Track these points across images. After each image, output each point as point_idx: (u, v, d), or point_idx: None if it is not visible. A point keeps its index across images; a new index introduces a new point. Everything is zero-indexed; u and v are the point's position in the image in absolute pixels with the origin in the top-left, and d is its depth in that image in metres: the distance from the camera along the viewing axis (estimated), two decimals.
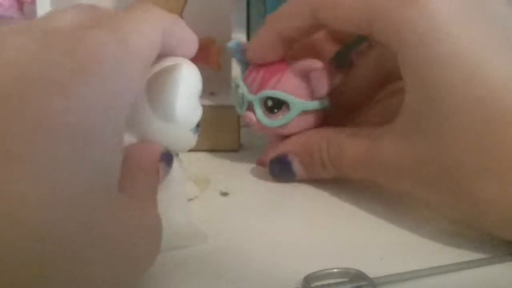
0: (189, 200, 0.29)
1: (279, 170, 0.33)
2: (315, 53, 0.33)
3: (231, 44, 0.34)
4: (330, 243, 0.26)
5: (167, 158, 0.25)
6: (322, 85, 0.31)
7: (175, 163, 0.26)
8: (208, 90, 0.40)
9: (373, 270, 0.22)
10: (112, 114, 0.18)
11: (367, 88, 0.33)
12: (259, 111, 0.32)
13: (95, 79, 0.18)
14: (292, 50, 0.32)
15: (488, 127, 0.23)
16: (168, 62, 0.24)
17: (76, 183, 0.16)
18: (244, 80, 0.33)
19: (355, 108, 0.34)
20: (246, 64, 0.34)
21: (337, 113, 0.33)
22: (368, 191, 0.31)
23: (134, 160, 0.22)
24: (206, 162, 0.36)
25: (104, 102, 0.18)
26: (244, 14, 0.39)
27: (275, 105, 0.32)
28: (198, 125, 0.27)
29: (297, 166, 0.32)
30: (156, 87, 0.24)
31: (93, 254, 0.17)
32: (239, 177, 0.34)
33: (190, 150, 0.35)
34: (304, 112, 0.32)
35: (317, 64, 0.31)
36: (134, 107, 0.24)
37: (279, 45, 0.31)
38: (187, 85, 0.25)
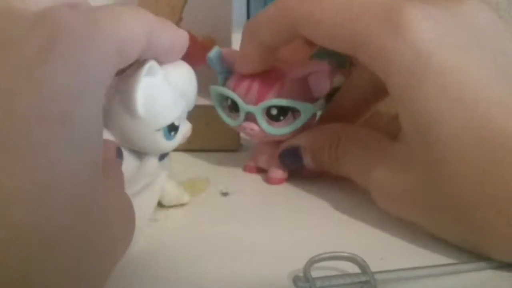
0: (180, 205, 0.29)
1: (291, 161, 0.32)
2: (297, 54, 0.33)
3: (211, 55, 0.32)
4: (330, 242, 0.26)
5: (120, 153, 0.25)
6: (324, 85, 0.31)
7: (152, 160, 0.27)
8: (208, 90, 0.40)
9: (373, 267, 0.22)
10: (87, 94, 0.17)
11: (363, 99, 0.33)
12: (263, 121, 0.31)
13: (63, 55, 0.17)
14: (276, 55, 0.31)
15: (483, 156, 0.23)
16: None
17: (57, 168, 0.16)
18: (234, 90, 0.32)
19: (352, 118, 0.34)
20: (226, 73, 0.33)
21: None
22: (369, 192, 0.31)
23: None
24: (206, 162, 0.36)
25: (76, 80, 0.17)
26: (244, 14, 0.39)
27: (280, 113, 0.31)
28: (173, 130, 0.27)
29: (307, 160, 0.32)
30: (125, 81, 0.25)
31: (85, 239, 0.17)
32: (239, 177, 0.34)
33: (190, 150, 0.35)
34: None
35: (319, 66, 0.31)
36: (108, 103, 0.25)
37: (265, 54, 0.30)
38: (154, 83, 0.25)
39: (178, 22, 0.37)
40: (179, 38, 0.25)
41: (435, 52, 0.24)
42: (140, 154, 0.28)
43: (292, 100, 0.31)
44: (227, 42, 0.40)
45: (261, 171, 0.34)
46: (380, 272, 0.22)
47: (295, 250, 0.25)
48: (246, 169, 0.35)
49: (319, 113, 0.34)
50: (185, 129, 0.28)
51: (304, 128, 0.32)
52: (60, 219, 0.16)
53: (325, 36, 0.27)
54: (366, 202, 0.29)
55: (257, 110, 0.31)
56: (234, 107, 0.32)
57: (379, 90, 0.31)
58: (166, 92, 0.26)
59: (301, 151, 0.32)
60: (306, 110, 0.31)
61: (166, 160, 0.29)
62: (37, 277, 0.15)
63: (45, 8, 0.19)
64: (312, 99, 0.32)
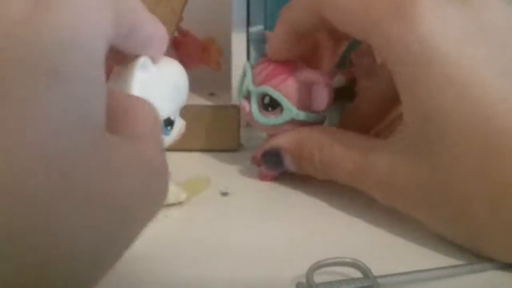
0: (179, 204, 0.29)
1: (272, 163, 0.32)
2: (317, 56, 0.33)
3: (252, 29, 0.34)
4: (330, 243, 0.26)
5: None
6: (322, 100, 0.31)
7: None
8: (208, 90, 0.40)
9: (376, 269, 0.22)
10: (76, 49, 0.16)
11: (378, 108, 0.33)
12: (255, 104, 0.32)
13: (50, 7, 0.16)
14: (299, 48, 0.32)
15: (484, 151, 0.23)
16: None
17: (46, 125, 0.15)
18: (253, 68, 0.33)
19: (367, 128, 0.33)
20: (261, 55, 0.34)
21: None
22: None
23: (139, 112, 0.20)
24: (206, 162, 0.36)
25: (64, 34, 0.16)
26: (244, 14, 0.39)
27: (271, 104, 0.32)
28: (169, 124, 0.27)
29: (289, 162, 0.32)
30: (119, 77, 0.25)
31: (78, 204, 0.15)
32: (239, 177, 0.34)
33: (190, 150, 0.35)
34: (295, 121, 0.32)
35: (321, 78, 0.31)
36: None
37: (292, 38, 0.31)
38: (148, 78, 0.25)
39: (178, 22, 0.37)
40: (159, 31, 0.24)
41: (443, 44, 0.24)
42: None
43: (282, 96, 0.31)
44: (227, 42, 0.40)
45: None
46: (383, 276, 0.22)
47: (296, 253, 0.25)
48: (252, 159, 0.34)
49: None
50: (180, 125, 0.28)
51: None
52: (41, 180, 0.15)
53: (341, 19, 0.27)
54: (369, 204, 0.29)
55: (254, 91, 0.32)
56: (245, 82, 0.33)
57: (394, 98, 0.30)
58: (161, 86, 0.26)
59: (282, 153, 0.32)
60: (288, 111, 0.31)
61: None
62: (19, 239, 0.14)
63: None
64: (306, 108, 0.32)
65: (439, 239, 0.25)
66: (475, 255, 0.24)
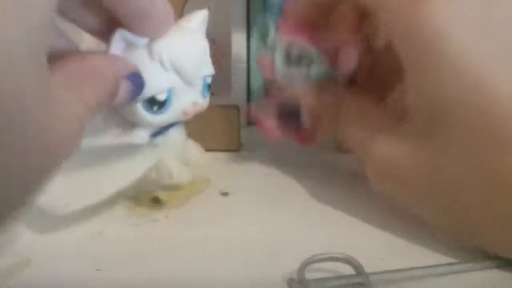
0: (180, 205, 0.30)
1: (289, 117, 0.32)
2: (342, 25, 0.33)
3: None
4: (330, 243, 0.26)
5: (136, 80, 0.23)
6: (349, 61, 0.30)
7: (139, 133, 0.26)
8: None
9: (370, 266, 0.22)
10: None
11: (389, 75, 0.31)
12: (279, 56, 0.32)
13: None
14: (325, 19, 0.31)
15: (490, 145, 0.23)
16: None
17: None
18: (278, 23, 0.32)
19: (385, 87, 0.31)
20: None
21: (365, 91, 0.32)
22: (370, 191, 0.31)
23: (91, 64, 0.21)
24: (206, 162, 0.36)
25: None
26: (244, 14, 0.39)
27: (299, 57, 0.31)
28: (155, 104, 0.25)
29: (306, 117, 0.32)
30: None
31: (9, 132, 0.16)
32: (239, 177, 0.34)
33: None
34: (321, 78, 0.31)
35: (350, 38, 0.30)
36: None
37: (315, 11, 0.31)
38: (130, 55, 0.24)
39: None
40: (161, 2, 0.23)
41: (455, 34, 0.23)
42: (131, 123, 0.27)
43: (315, 50, 0.31)
44: (227, 42, 0.40)
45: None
46: (375, 273, 0.22)
47: (294, 249, 0.25)
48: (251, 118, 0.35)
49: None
50: (184, 104, 0.27)
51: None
52: None
53: None
54: (369, 203, 0.29)
55: (280, 44, 0.31)
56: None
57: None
58: (144, 64, 0.24)
59: (301, 108, 0.32)
60: (318, 65, 0.31)
61: (162, 139, 0.28)
62: None
63: None
64: (333, 68, 0.31)
65: (433, 237, 0.25)
66: (470, 250, 0.24)
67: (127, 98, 0.23)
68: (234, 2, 0.39)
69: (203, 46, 0.26)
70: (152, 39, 0.24)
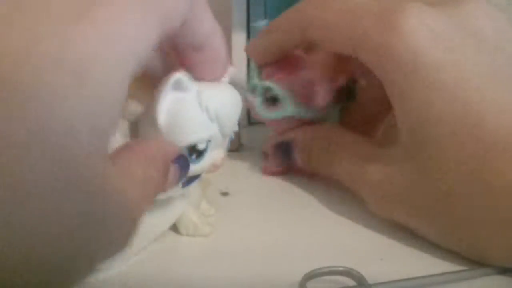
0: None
1: (282, 154, 0.33)
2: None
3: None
4: (330, 244, 0.26)
5: (183, 162, 0.23)
6: (322, 98, 0.31)
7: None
8: None
9: (372, 274, 0.22)
10: (112, 57, 0.16)
11: (378, 107, 0.32)
12: (259, 98, 0.32)
13: (96, 20, 0.16)
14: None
15: (478, 154, 0.23)
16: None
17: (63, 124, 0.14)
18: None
19: (367, 128, 0.33)
20: None
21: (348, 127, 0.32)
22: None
23: (144, 151, 0.20)
24: None
25: (106, 46, 0.16)
26: (244, 14, 0.39)
27: (273, 99, 0.32)
28: (194, 153, 0.24)
29: (298, 155, 0.32)
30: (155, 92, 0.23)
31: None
32: (239, 177, 0.34)
33: None
34: (296, 117, 0.32)
35: (321, 76, 0.31)
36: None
37: (273, 52, 0.32)
38: (181, 98, 0.23)
39: None
40: (219, 31, 0.23)
41: (431, 52, 0.24)
42: None
43: (284, 91, 0.31)
44: (227, 42, 0.40)
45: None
46: (377, 284, 0.22)
47: (294, 250, 0.25)
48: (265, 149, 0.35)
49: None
50: (215, 156, 0.25)
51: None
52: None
53: (330, 37, 0.28)
54: (367, 210, 0.29)
55: (258, 86, 0.32)
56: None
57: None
58: (193, 111, 0.24)
59: (293, 146, 0.32)
60: (288, 106, 0.31)
61: (191, 187, 0.27)
62: None
63: None
64: (307, 105, 0.32)
65: (434, 246, 0.25)
66: (474, 262, 0.24)
67: (176, 182, 0.22)
68: (234, 2, 0.38)
69: (241, 101, 0.26)
70: (201, 89, 0.24)
